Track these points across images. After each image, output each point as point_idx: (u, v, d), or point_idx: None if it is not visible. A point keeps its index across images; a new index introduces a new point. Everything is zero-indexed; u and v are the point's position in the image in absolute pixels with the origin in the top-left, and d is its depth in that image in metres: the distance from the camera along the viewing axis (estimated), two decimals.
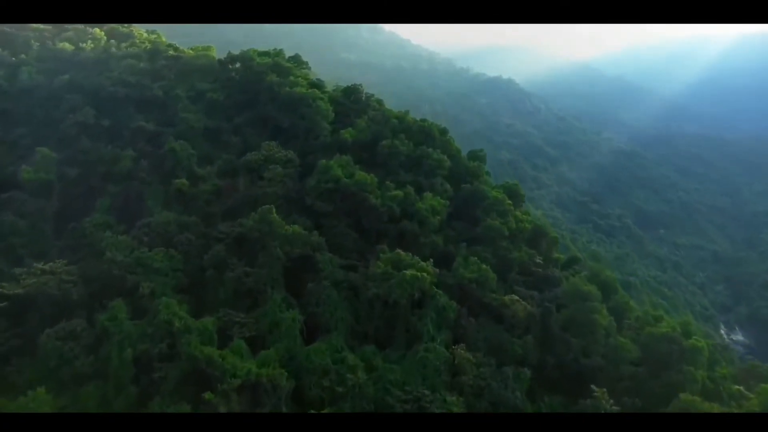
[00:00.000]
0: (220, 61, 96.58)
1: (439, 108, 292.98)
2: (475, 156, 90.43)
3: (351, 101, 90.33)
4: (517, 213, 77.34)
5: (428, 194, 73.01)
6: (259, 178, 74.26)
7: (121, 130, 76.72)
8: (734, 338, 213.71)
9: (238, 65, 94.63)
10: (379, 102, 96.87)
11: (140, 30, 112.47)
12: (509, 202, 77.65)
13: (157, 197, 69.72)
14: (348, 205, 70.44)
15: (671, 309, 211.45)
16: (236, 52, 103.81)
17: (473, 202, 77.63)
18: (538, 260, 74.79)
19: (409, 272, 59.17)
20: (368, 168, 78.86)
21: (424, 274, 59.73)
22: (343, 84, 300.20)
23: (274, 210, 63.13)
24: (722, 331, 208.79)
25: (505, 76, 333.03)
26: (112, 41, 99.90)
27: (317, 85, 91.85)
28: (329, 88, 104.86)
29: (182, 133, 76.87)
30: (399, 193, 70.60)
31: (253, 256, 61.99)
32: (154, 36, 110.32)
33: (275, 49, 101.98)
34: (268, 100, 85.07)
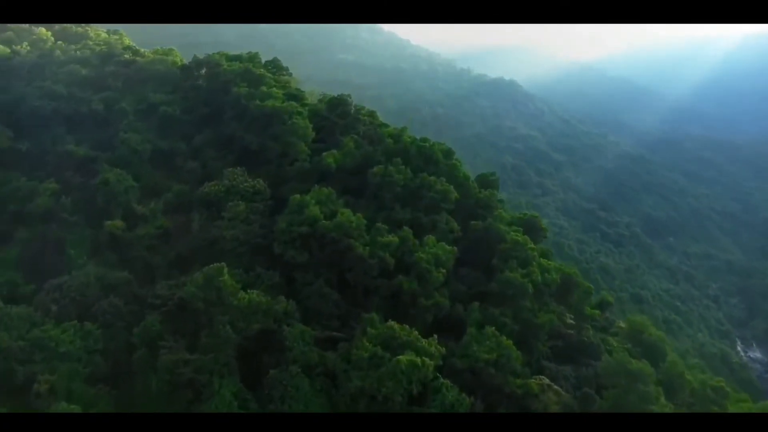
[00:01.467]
0: (184, 66, 78.95)
1: (439, 110, 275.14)
2: (486, 181, 72.94)
3: (337, 115, 72.84)
4: (542, 261, 59.92)
5: (431, 238, 55.70)
6: (219, 216, 57.17)
7: (44, 155, 59.47)
8: (752, 355, 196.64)
9: (204, 71, 76.97)
10: (372, 115, 79.45)
11: (100, 30, 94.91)
12: (531, 245, 60.24)
13: (81, 245, 52.77)
14: (328, 255, 53.20)
15: (685, 325, 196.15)
16: (215, 53, 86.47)
17: (486, 245, 60.32)
18: (569, 320, 57.62)
19: (405, 358, 42.12)
20: (356, 201, 61.77)
21: (426, 360, 42.69)
22: (341, 85, 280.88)
23: (225, 270, 45.87)
24: (739, 348, 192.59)
25: (507, 78, 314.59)
26: (60, 42, 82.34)
27: (296, 96, 74.28)
28: (315, 97, 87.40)
29: (122, 159, 59.72)
30: (393, 238, 53.31)
31: (197, 332, 44.98)
32: (115, 37, 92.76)
33: (249, 53, 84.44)
34: (233, 115, 67.75)
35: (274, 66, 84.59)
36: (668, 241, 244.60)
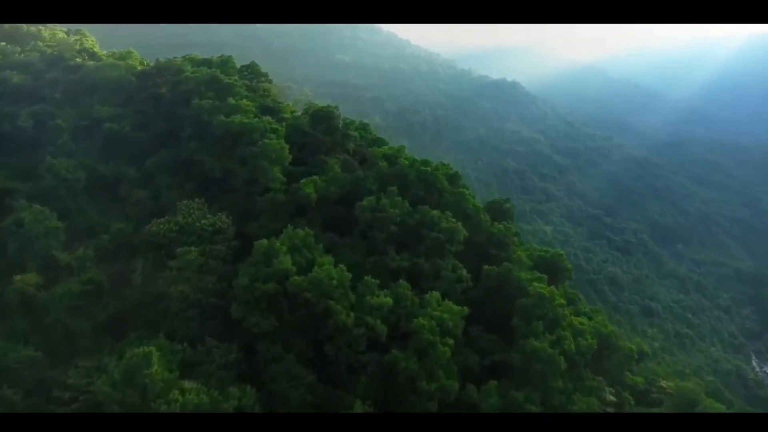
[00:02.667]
0: (143, 72, 65.27)
1: (439, 112, 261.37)
2: (500, 210, 59.62)
3: (321, 131, 59.41)
4: (575, 320, 46.53)
5: (434, 295, 42.54)
6: (167, 266, 44.03)
7: None
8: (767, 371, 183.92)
9: (164, 79, 63.26)
10: (365, 128, 66.25)
11: (58, 30, 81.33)
12: (560, 298, 46.91)
13: None
14: (301, 321, 40.10)
15: (698, 338, 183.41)
16: (179, 57, 73.15)
17: (503, 297, 47.16)
18: (609, 395, 44.38)
19: None
20: (341, 241, 48.59)
21: None
22: (338, 86, 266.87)
23: (154, 359, 32.62)
24: (754, 363, 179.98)
25: (509, 79, 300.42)
26: (2, 44, 68.87)
27: (272, 109, 60.98)
28: (302, 105, 73.99)
29: (48, 191, 46.41)
30: (386, 299, 40.18)
31: None
32: (75, 38, 79.30)
33: (222, 56, 71.13)
34: (193, 134, 54.46)
35: (251, 72, 71.19)
36: (676, 248, 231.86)
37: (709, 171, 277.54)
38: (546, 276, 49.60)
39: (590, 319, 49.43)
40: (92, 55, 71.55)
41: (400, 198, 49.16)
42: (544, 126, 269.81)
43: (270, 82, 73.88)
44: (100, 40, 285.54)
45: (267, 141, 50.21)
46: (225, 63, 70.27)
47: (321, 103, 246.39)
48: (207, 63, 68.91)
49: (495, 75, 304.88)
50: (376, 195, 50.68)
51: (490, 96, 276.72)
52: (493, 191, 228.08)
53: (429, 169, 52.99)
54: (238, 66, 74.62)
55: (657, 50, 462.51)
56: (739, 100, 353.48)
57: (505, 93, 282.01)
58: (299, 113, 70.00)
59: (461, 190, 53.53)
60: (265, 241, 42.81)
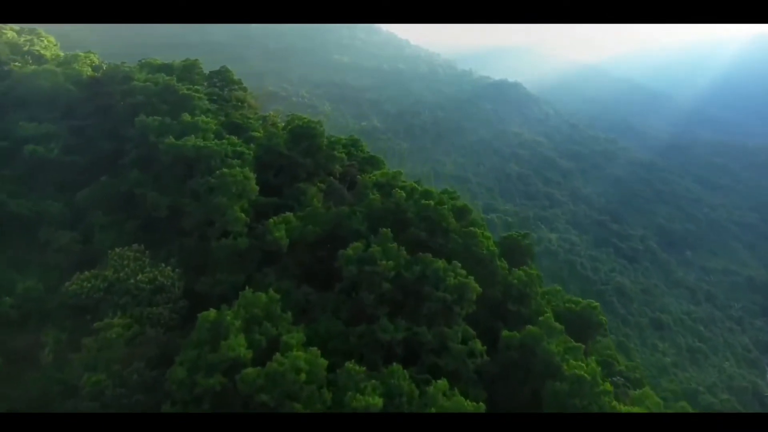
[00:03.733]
0: (89, 81, 53.11)
1: (440, 114, 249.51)
2: (517, 248, 47.81)
3: (301, 151, 47.55)
4: (622, 408, 34.62)
5: (439, 387, 30.95)
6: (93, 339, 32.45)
7: None
8: None
9: (111, 89, 51.13)
10: (355, 145, 54.43)
11: (8, 29, 69.37)
12: (604, 384, 35.09)
13: None
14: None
15: (710, 352, 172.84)
16: (129, 64, 61.51)
17: (528, 377, 35.56)
18: None
19: None
20: (319, 298, 37.10)
21: None
22: (336, 87, 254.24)
23: None
24: None
25: (510, 79, 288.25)
26: None
27: (239, 126, 49.25)
28: (280, 118, 62.21)
29: None
30: (374, 399, 28.58)
31: None
32: (25, 38, 67.44)
33: (186, 60, 59.20)
34: (137, 159, 42.73)
35: (221, 78, 59.27)
36: (685, 256, 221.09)
37: (716, 174, 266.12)
38: (582, 346, 37.80)
39: (641, 402, 37.69)
40: (38, 59, 59.70)
41: (395, 244, 37.42)
42: (546, 128, 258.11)
43: (245, 90, 62.05)
44: (93, 41, 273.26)
45: (226, 170, 38.51)
46: (189, 69, 58.43)
47: (321, 105, 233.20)
48: (167, 68, 57.14)
49: (496, 75, 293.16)
50: (365, 237, 38.90)
51: (491, 97, 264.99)
52: (496, 197, 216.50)
53: (432, 202, 41.18)
54: (207, 71, 62.84)
55: (659, 51, 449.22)
56: (744, 101, 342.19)
57: (506, 94, 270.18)
58: (283, 124, 58.09)
59: (472, 229, 41.70)
60: (212, 313, 31.10)
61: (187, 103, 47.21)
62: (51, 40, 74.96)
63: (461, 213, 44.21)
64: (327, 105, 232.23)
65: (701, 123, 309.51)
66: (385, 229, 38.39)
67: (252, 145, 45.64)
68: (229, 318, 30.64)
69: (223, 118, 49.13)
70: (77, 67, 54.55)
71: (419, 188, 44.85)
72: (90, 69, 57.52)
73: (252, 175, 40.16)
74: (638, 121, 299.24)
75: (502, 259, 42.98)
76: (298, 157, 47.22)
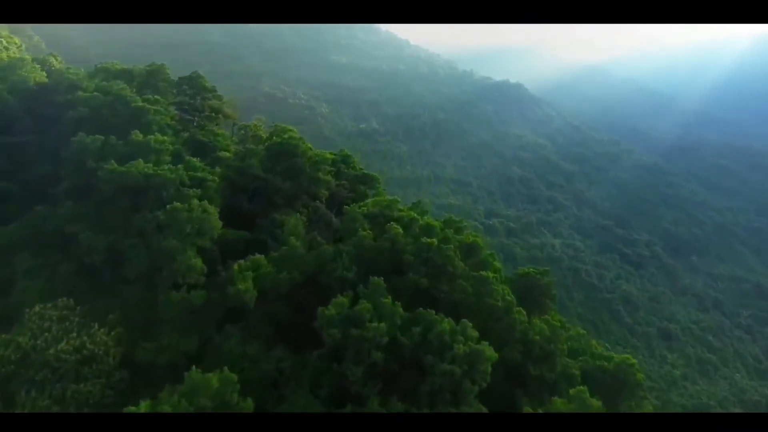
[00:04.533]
0: (35, 89, 44.47)
1: (440, 116, 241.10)
2: (536, 289, 39.35)
3: (280, 173, 39.13)
4: None
5: None
6: None
7: None
8: None
9: (54, 100, 42.50)
10: (345, 161, 45.99)
11: None
12: None
13: None
14: None
15: (721, 363, 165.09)
16: (71, 70, 52.93)
17: None
18: None
19: None
20: (295, 364, 28.93)
21: None
22: (334, 88, 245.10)
23: None
24: None
25: (512, 80, 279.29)
26: None
27: (205, 146, 40.83)
28: (261, 128, 53.69)
29: None
30: None
31: None
32: None
33: (151, 65, 50.69)
34: (71, 190, 34.34)
35: (192, 85, 50.71)
36: (691, 261, 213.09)
37: (722, 177, 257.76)
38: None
39: None
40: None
41: (389, 298, 29.14)
42: (549, 130, 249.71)
43: (219, 98, 53.53)
44: (89, 41, 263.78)
45: (179, 205, 30.16)
46: (154, 74, 50.02)
47: (318, 106, 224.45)
48: (126, 74, 48.78)
49: (496, 76, 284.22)
50: (353, 287, 30.60)
51: (492, 98, 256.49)
52: (497, 201, 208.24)
53: (434, 241, 32.76)
54: (176, 76, 54.36)
55: (661, 51, 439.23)
56: (748, 102, 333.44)
57: (508, 95, 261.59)
58: (265, 136, 49.61)
59: (483, 274, 33.27)
60: (142, 405, 22.78)
61: (141, 118, 38.91)
62: (16, 41, 66.48)
63: (470, 251, 35.91)
64: (325, 106, 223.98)
65: (705, 124, 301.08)
66: (376, 279, 30.13)
67: (219, 168, 37.21)
68: (167, 405, 22.31)
69: (186, 135, 40.79)
70: (23, 74, 45.98)
71: (419, 219, 36.50)
72: (44, 75, 48.95)
73: (214, 210, 31.91)
74: (641, 122, 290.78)
75: (522, 312, 34.53)
76: (276, 180, 38.97)
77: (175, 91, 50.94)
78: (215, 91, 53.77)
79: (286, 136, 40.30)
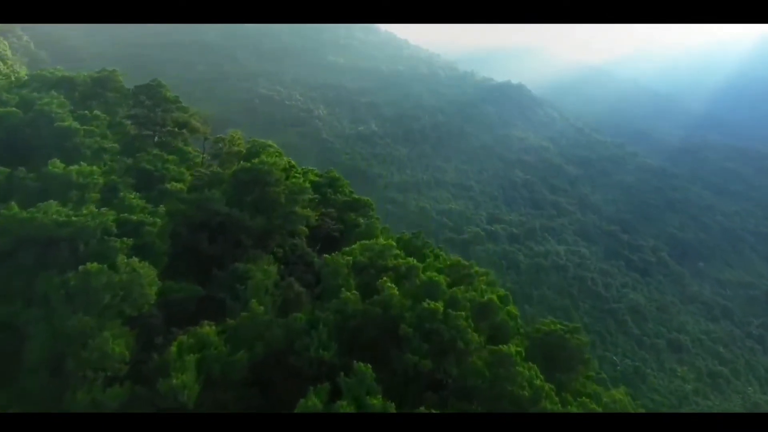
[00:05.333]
0: None
1: (440, 118, 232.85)
2: (563, 348, 30.64)
3: (250, 206, 30.50)
4: None
5: None
6: None
7: None
8: None
9: None
10: (332, 184, 37.43)
11: None
12: None
13: None
14: None
15: (733, 376, 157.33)
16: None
17: None
18: None
19: None
20: None
21: None
22: (332, 90, 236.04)
23: None
24: None
25: (513, 81, 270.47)
26: None
27: (149, 174, 32.14)
28: (235, 145, 45.07)
29: None
30: None
31: None
32: None
33: (102, 71, 41.77)
34: None
35: (150, 95, 42.04)
36: (698, 267, 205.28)
37: (729, 180, 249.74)
38: None
39: None
40: None
41: (378, 398, 20.63)
42: (552, 132, 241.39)
43: (185, 110, 44.85)
44: (83, 41, 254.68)
45: (95, 266, 21.30)
46: (102, 83, 41.69)
47: (315, 108, 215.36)
48: (67, 83, 40.19)
49: (497, 77, 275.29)
50: (331, 375, 21.97)
51: (494, 100, 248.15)
52: (500, 206, 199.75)
53: (440, 306, 23.92)
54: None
55: (663, 52, 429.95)
56: (752, 103, 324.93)
57: (509, 97, 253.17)
58: (243, 150, 40.95)
59: (504, 350, 24.18)
60: None
61: (66, 141, 30.34)
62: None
63: (484, 311, 27.16)
64: (322, 108, 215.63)
65: (709, 126, 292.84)
66: (362, 366, 21.51)
67: (164, 207, 28.67)
68: None
69: (129, 162, 32.29)
70: None
71: (419, 269, 27.67)
72: None
73: (148, 269, 23.58)
74: (645, 124, 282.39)
75: (551, 388, 25.74)
76: (244, 216, 30.27)
77: (131, 102, 42.48)
78: (179, 101, 45.18)
79: (256, 161, 31.73)
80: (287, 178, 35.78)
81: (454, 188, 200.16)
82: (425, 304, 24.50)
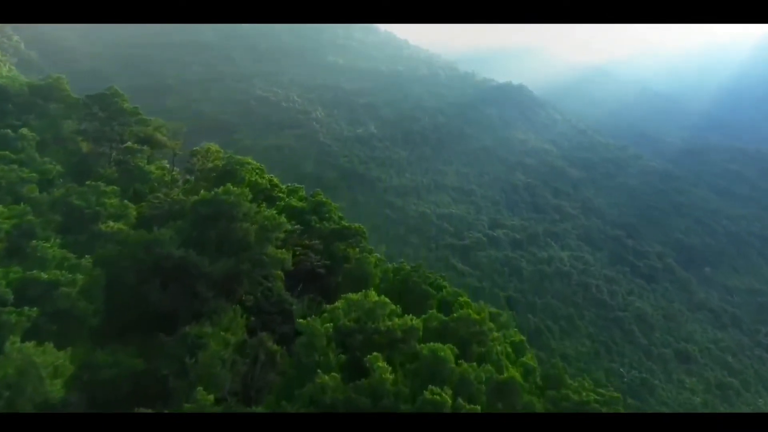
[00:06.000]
0: None
1: (441, 120, 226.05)
2: None
3: (210, 246, 23.59)
4: None
5: None
6: None
7: None
8: None
9: None
10: (317, 210, 30.83)
11: None
12: None
13: None
14: None
15: (742, 388, 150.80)
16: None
17: None
18: None
19: None
20: None
21: None
22: (330, 91, 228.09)
23: None
24: None
25: (514, 82, 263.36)
26: None
27: (79, 215, 25.31)
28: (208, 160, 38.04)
29: None
30: None
31: None
32: None
33: (48, 77, 34.72)
34: None
35: (104, 107, 34.87)
36: (705, 273, 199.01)
37: (733, 182, 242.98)
38: None
39: None
40: None
41: None
42: (554, 134, 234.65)
43: (146, 123, 37.68)
44: (77, 41, 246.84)
45: None
46: (45, 91, 34.44)
47: (313, 110, 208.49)
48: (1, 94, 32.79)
49: (498, 77, 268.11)
50: None
51: (495, 101, 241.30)
52: (502, 210, 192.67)
53: (449, 400, 16.62)
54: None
55: (664, 52, 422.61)
56: (755, 104, 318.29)
57: (511, 98, 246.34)
58: (220, 165, 33.85)
59: None
60: None
61: None
62: None
63: (503, 392, 20.45)
64: (320, 110, 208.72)
65: (712, 128, 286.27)
66: None
67: (96, 254, 21.69)
68: None
69: (56, 195, 25.33)
70: None
71: (421, 334, 20.62)
72: None
73: (55, 355, 16.43)
74: (648, 125, 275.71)
75: None
76: (203, 261, 23.20)
77: (82, 114, 35.51)
78: (139, 113, 38.01)
79: (221, 190, 24.78)
80: (264, 203, 28.84)
81: (455, 192, 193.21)
82: (428, 394, 17.76)
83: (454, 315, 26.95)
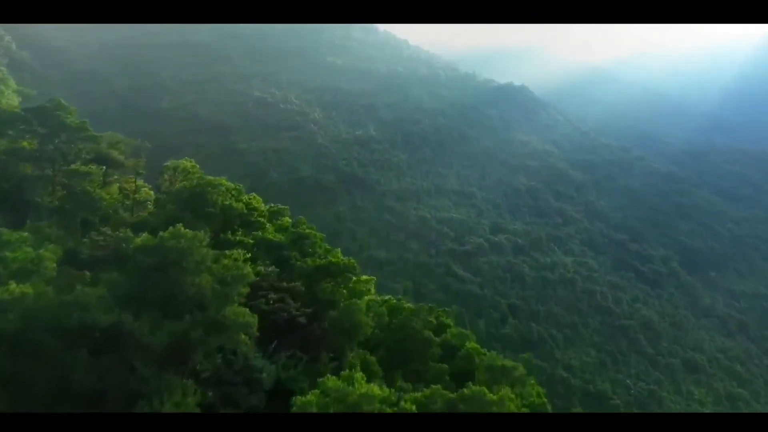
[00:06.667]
0: None
1: (441, 121, 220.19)
2: None
3: (158, 301, 17.73)
4: None
5: None
6: None
7: None
8: None
9: None
10: (301, 244, 25.29)
11: None
12: None
13: None
14: None
15: (752, 399, 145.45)
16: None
17: None
18: None
19: None
20: None
21: None
22: (328, 92, 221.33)
23: None
24: None
25: (515, 82, 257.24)
26: None
27: None
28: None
29: None
30: None
31: None
32: None
33: None
34: None
35: (45, 122, 28.90)
36: (710, 277, 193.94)
37: (737, 184, 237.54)
38: None
39: None
40: None
41: None
42: (556, 136, 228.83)
43: (96, 140, 31.58)
44: (70, 41, 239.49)
45: None
46: None
47: (311, 111, 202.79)
48: None
49: (498, 77, 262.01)
50: None
51: (496, 102, 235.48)
52: (503, 214, 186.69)
53: None
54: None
55: (666, 53, 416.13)
56: (757, 105, 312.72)
57: (512, 99, 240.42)
58: (189, 186, 27.85)
59: None
60: None
61: None
62: None
63: None
64: (318, 112, 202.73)
65: (715, 129, 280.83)
66: None
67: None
68: None
69: None
70: None
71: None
72: None
73: None
74: (650, 127, 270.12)
75: None
76: (141, 329, 17.58)
77: (22, 127, 29.55)
78: (87, 129, 31.95)
79: (167, 234, 18.96)
80: (239, 231, 22.86)
81: (456, 196, 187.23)
82: None
83: (465, 391, 21.61)
